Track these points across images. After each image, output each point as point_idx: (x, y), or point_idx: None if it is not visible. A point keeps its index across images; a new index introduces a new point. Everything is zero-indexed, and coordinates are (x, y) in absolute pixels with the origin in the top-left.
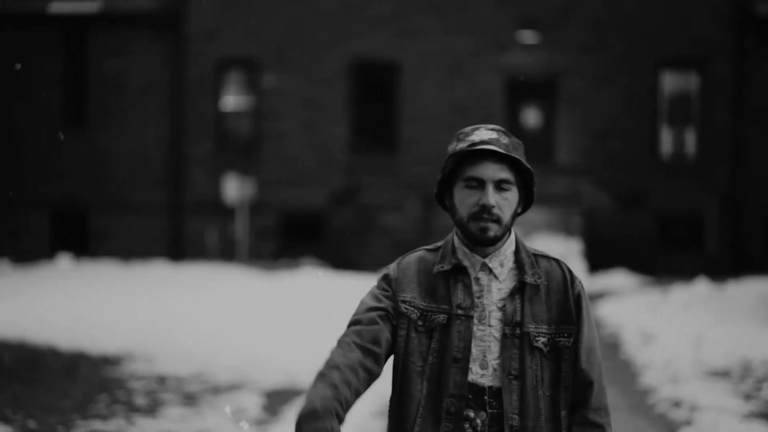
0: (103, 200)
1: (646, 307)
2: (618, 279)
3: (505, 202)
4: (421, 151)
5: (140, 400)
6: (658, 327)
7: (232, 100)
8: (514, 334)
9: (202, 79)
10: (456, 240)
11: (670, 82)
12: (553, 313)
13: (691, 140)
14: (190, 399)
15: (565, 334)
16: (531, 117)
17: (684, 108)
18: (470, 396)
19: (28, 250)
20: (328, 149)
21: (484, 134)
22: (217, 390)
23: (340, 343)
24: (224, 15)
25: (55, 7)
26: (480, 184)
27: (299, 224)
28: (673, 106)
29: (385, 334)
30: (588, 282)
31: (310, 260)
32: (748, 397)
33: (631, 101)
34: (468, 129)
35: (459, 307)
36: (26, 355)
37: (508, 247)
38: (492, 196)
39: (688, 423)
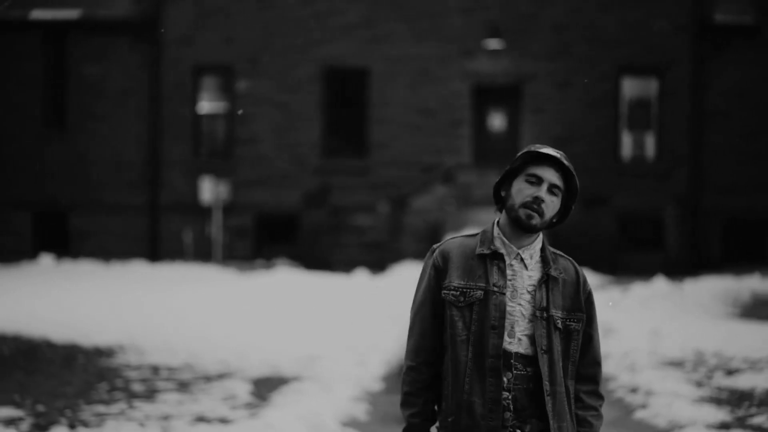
0: (83, 201)
1: (607, 303)
2: None
3: (551, 204)
4: (390, 153)
5: (137, 387)
6: (618, 321)
7: (208, 104)
8: (542, 317)
9: (179, 84)
10: (495, 230)
11: (631, 87)
12: (567, 302)
13: (650, 144)
14: (183, 386)
15: (575, 320)
16: (497, 121)
17: (644, 112)
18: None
19: (10, 250)
20: (301, 152)
21: (551, 150)
22: (207, 378)
23: (411, 362)
24: (200, 22)
25: (36, 14)
26: (538, 181)
27: (273, 225)
28: (634, 110)
29: (438, 319)
30: None
31: (284, 260)
32: (699, 384)
33: (593, 106)
34: (539, 144)
35: (495, 285)
36: (23, 347)
37: (537, 244)
38: (545, 193)
39: (643, 406)
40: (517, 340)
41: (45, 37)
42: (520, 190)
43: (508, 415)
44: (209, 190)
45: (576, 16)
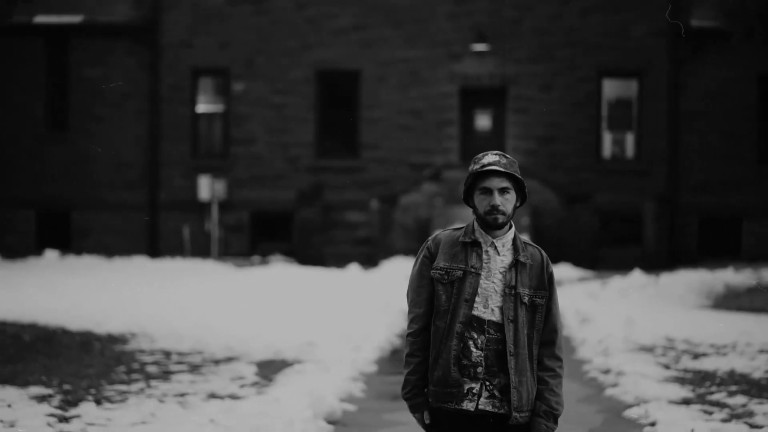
0: (85, 200)
1: (586, 294)
2: (562, 272)
3: (507, 201)
4: (381, 153)
5: (152, 369)
6: (596, 311)
7: (205, 105)
8: (510, 293)
9: (177, 86)
10: (475, 224)
11: (611, 89)
12: (533, 282)
13: (630, 143)
14: (195, 368)
15: (540, 296)
16: (483, 121)
17: (624, 113)
18: (475, 324)
19: (15, 246)
20: (295, 152)
21: (490, 158)
22: (216, 362)
23: (410, 330)
24: (197, 27)
25: (40, 19)
26: (489, 191)
27: (268, 222)
28: (614, 111)
29: (430, 292)
30: None
31: (279, 256)
32: (666, 366)
33: (575, 107)
34: (480, 155)
35: (472, 267)
36: (42, 335)
37: (509, 235)
38: (497, 199)
39: (614, 385)
40: (490, 311)
41: (48, 41)
42: (480, 202)
43: (480, 369)
44: (207, 188)
45: (558, 21)
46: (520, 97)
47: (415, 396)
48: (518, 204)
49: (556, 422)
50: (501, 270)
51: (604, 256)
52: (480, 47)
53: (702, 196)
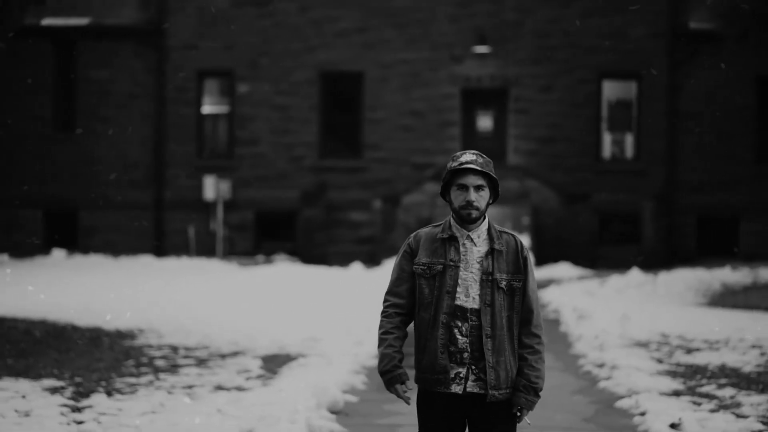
0: (92, 200)
1: (584, 292)
2: (562, 270)
3: (481, 198)
4: (383, 153)
5: (161, 363)
6: (593, 308)
7: (210, 106)
8: (488, 280)
9: (182, 87)
10: (451, 220)
11: (611, 90)
12: (510, 267)
13: (629, 144)
14: (201, 362)
15: (517, 280)
16: (484, 122)
17: (623, 114)
18: (459, 313)
19: (23, 246)
20: (299, 152)
21: (468, 157)
22: (222, 356)
23: (385, 313)
24: (202, 29)
25: (48, 21)
26: (465, 188)
27: (272, 221)
28: (614, 112)
29: (409, 285)
30: (535, 272)
31: (283, 255)
32: (660, 361)
33: (574, 108)
34: (458, 153)
35: (451, 260)
36: (52, 330)
37: (483, 226)
38: (473, 195)
39: (607, 378)
40: (471, 299)
41: (55, 44)
42: (456, 197)
43: (466, 355)
44: (212, 188)
45: (557, 23)
46: (520, 98)
47: (394, 368)
48: (491, 201)
49: (536, 395)
50: (478, 260)
51: (603, 254)
52: (481, 49)
53: (700, 196)
